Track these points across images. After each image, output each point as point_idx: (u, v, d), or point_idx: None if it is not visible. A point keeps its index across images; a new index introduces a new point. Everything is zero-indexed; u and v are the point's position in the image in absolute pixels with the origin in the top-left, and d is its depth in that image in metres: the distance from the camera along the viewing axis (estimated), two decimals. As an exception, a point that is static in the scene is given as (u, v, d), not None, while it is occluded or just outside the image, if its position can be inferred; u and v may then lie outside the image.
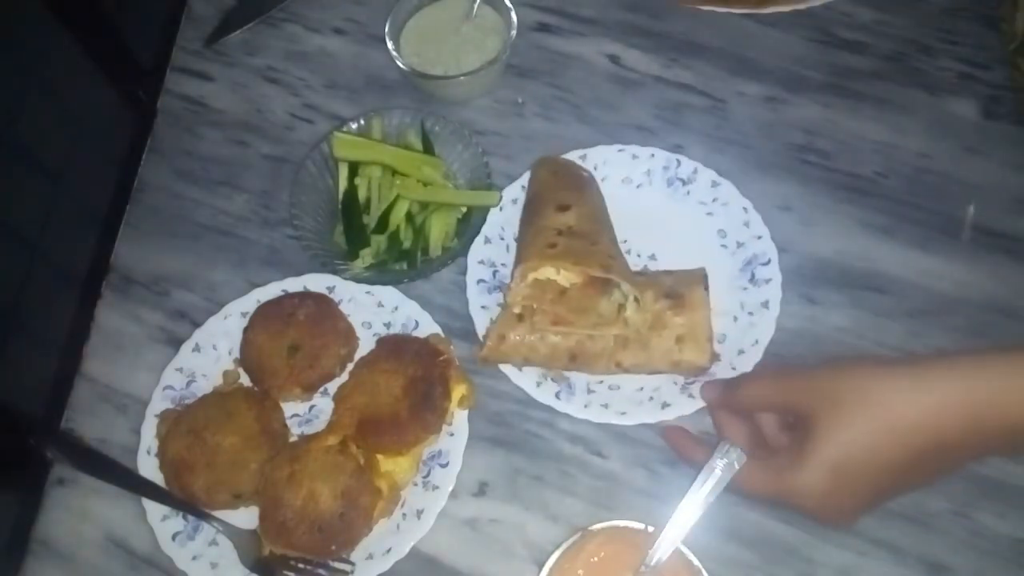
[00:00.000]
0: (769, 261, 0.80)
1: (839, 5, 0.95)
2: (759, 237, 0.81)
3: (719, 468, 0.66)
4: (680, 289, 0.77)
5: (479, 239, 0.82)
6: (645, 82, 0.94)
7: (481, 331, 0.79)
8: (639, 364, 0.76)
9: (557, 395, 0.77)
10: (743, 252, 0.81)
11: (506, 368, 0.77)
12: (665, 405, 0.75)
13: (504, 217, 0.84)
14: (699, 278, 0.78)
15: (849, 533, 0.72)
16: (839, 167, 0.87)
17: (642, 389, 0.77)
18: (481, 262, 0.82)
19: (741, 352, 0.77)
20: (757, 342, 0.77)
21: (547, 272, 0.75)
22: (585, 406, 0.76)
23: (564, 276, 0.75)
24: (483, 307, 0.80)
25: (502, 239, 0.83)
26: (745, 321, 0.78)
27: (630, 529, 0.67)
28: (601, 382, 0.78)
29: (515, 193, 0.85)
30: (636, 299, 0.74)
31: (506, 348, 0.76)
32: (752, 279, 0.80)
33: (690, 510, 0.65)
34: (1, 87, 1.28)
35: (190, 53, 1.00)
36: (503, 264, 0.82)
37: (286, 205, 0.87)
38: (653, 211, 0.84)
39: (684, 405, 0.75)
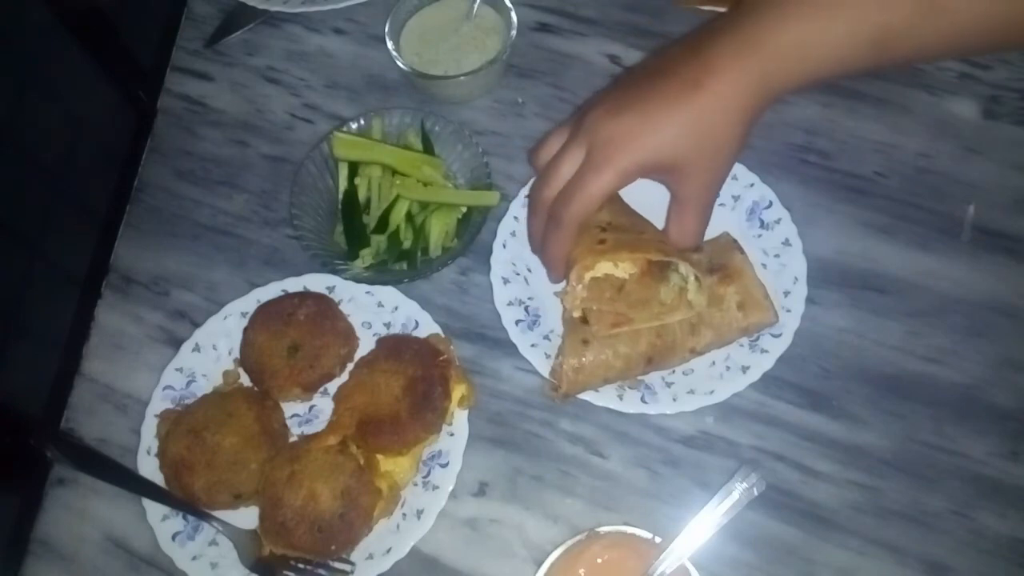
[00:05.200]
0: (771, 204, 0.82)
1: (839, 5, 0.95)
2: (751, 185, 0.82)
3: (737, 491, 0.67)
4: (719, 260, 0.77)
5: (498, 283, 0.81)
6: (645, 82, 0.94)
7: (541, 369, 0.77)
8: (712, 343, 0.76)
9: (643, 400, 0.76)
10: (742, 203, 0.82)
11: (585, 395, 0.76)
12: (745, 368, 0.76)
13: (511, 253, 0.82)
14: (731, 243, 0.79)
15: (849, 533, 0.72)
16: (839, 167, 0.87)
17: (714, 363, 0.77)
18: (510, 304, 0.80)
19: (787, 293, 0.78)
20: (796, 279, 0.78)
21: (604, 268, 0.72)
22: (674, 399, 0.75)
23: (622, 268, 0.72)
24: (533, 345, 0.78)
25: (518, 275, 0.82)
26: (775, 265, 0.80)
27: (637, 537, 0.67)
28: (673, 372, 0.77)
29: (511, 226, 0.83)
30: (697, 278, 0.72)
31: (584, 377, 0.74)
32: (762, 224, 0.81)
33: (702, 528, 0.66)
34: (1, 87, 1.28)
35: (190, 53, 1.00)
36: (530, 298, 0.81)
37: (286, 205, 0.87)
38: (642, 200, 0.83)
39: (762, 361, 0.76)
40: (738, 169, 0.83)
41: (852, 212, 0.84)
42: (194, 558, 0.74)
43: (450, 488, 0.74)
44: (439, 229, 0.85)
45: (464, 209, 0.86)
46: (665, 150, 0.67)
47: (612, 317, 0.72)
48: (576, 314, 0.73)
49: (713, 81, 0.65)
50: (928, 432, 0.75)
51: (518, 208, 0.84)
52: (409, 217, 0.85)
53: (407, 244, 0.84)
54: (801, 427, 0.76)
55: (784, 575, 0.72)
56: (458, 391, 0.77)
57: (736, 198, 0.83)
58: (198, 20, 1.02)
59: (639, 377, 0.77)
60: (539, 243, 0.75)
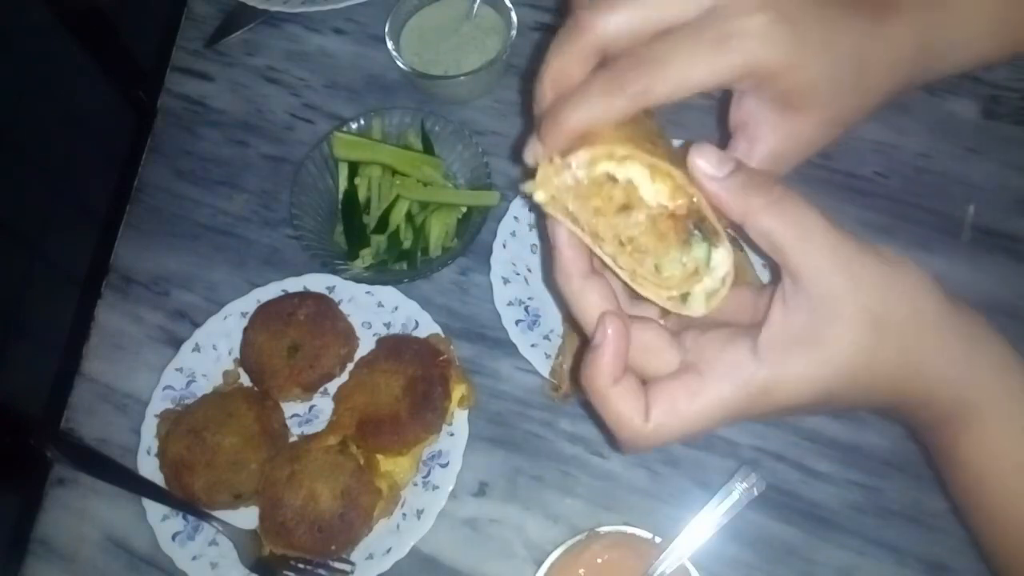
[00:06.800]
0: None
1: (839, 5, 0.95)
2: None
3: (737, 491, 0.67)
4: None
5: (498, 283, 0.81)
6: (645, 82, 0.93)
7: (541, 369, 0.77)
8: None
9: None
10: None
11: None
12: None
13: (511, 253, 0.82)
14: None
15: (849, 533, 0.72)
16: (839, 167, 0.87)
17: None
18: (510, 304, 0.80)
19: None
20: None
21: (634, 169, 0.47)
22: None
23: (657, 189, 0.47)
24: (533, 345, 0.78)
25: (518, 275, 0.82)
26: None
27: (637, 537, 0.67)
28: None
29: (511, 226, 0.83)
30: (724, 280, 0.47)
31: None
32: None
33: (701, 528, 0.66)
34: (1, 87, 1.28)
35: (190, 53, 1.00)
36: (530, 298, 0.81)
37: (286, 205, 0.87)
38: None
39: None
40: None
41: (852, 212, 0.84)
42: (194, 558, 0.74)
43: (450, 488, 0.74)
44: (439, 229, 0.85)
45: (464, 209, 0.86)
46: (816, 63, 0.47)
47: (590, 226, 0.48)
48: (540, 197, 0.48)
49: (900, 25, 0.50)
50: (928, 432, 0.75)
51: (518, 208, 0.84)
52: (409, 217, 0.85)
53: (407, 244, 0.84)
54: (801, 427, 0.76)
55: (784, 575, 0.72)
56: (458, 391, 0.77)
57: None
58: (198, 20, 1.02)
59: None
60: (559, 88, 0.49)
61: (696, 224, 0.47)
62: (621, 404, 0.46)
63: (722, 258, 0.47)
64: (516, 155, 0.90)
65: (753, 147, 0.51)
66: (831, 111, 0.50)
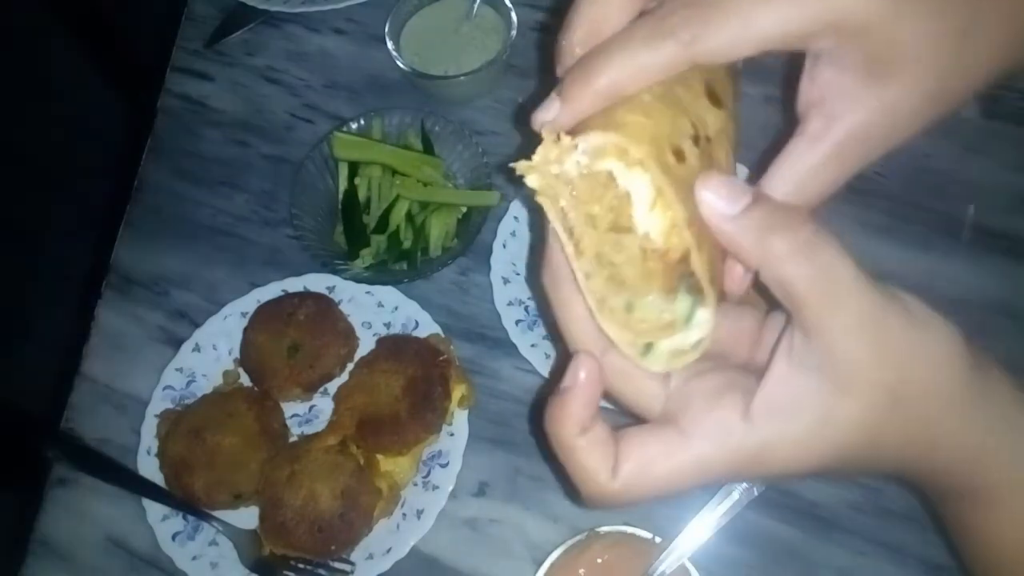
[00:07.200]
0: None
1: (839, 5, 0.95)
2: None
3: (737, 491, 0.67)
4: None
5: (498, 283, 0.81)
6: (645, 82, 0.93)
7: (541, 369, 0.77)
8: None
9: None
10: None
11: None
12: None
13: (511, 253, 0.82)
14: None
15: (849, 533, 0.72)
16: (839, 167, 0.86)
17: None
18: (510, 304, 0.80)
19: None
20: None
21: (639, 183, 0.39)
22: None
23: (655, 217, 0.39)
24: (533, 345, 0.78)
25: (518, 275, 0.81)
26: None
27: (637, 537, 0.67)
28: None
29: (511, 226, 0.83)
30: (699, 343, 0.41)
31: None
32: None
33: (701, 528, 0.66)
34: (1, 88, 1.28)
35: (190, 53, 1.00)
36: (530, 298, 0.81)
37: (286, 205, 0.87)
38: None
39: None
40: (737, 169, 0.82)
41: (852, 212, 0.84)
42: (194, 558, 0.74)
43: (450, 488, 0.74)
44: (439, 229, 0.85)
45: (464, 209, 0.86)
46: (915, 18, 0.38)
47: (577, 233, 0.41)
48: (533, 182, 0.41)
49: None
50: (928, 432, 0.75)
51: (518, 208, 0.84)
52: (409, 217, 0.85)
53: (407, 244, 0.84)
54: (801, 427, 0.76)
55: (784, 575, 0.72)
56: (458, 391, 0.77)
57: None
58: (198, 20, 1.02)
59: None
60: (592, 41, 0.41)
61: (687, 274, 0.40)
62: (587, 457, 0.41)
63: (703, 320, 0.41)
64: (519, 119, 0.89)
65: (831, 126, 0.41)
66: (930, 81, 0.39)
